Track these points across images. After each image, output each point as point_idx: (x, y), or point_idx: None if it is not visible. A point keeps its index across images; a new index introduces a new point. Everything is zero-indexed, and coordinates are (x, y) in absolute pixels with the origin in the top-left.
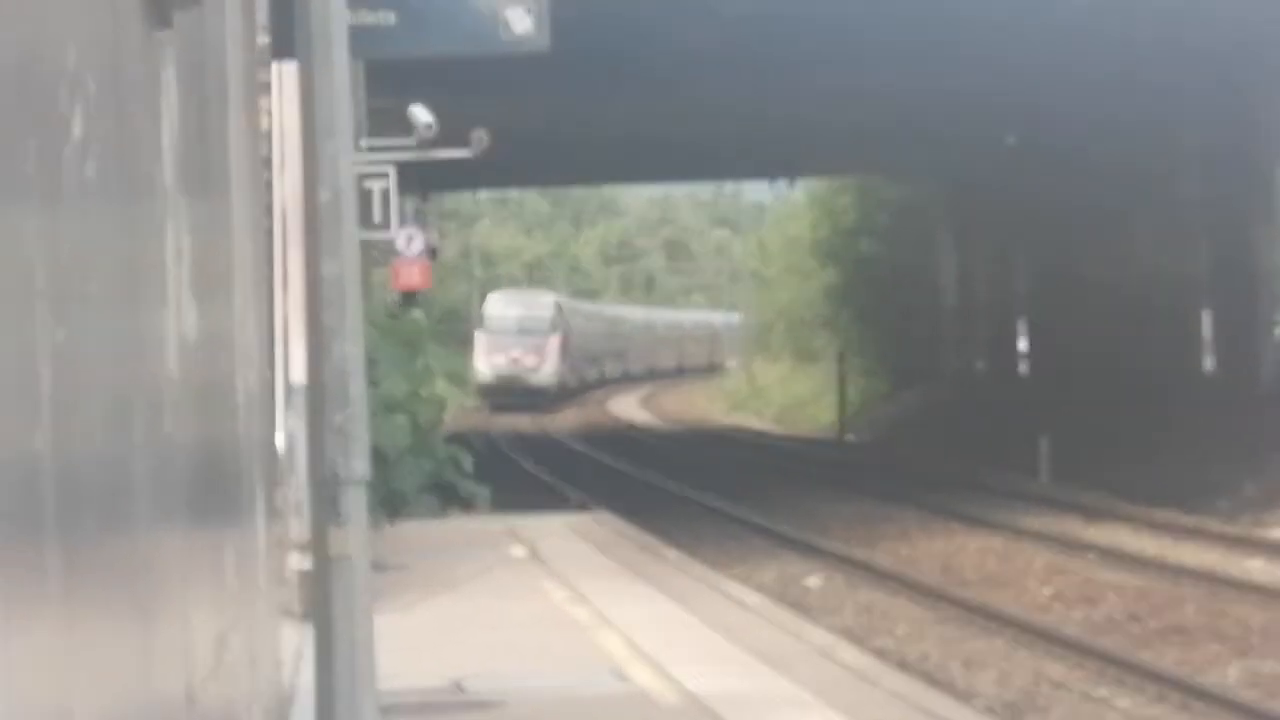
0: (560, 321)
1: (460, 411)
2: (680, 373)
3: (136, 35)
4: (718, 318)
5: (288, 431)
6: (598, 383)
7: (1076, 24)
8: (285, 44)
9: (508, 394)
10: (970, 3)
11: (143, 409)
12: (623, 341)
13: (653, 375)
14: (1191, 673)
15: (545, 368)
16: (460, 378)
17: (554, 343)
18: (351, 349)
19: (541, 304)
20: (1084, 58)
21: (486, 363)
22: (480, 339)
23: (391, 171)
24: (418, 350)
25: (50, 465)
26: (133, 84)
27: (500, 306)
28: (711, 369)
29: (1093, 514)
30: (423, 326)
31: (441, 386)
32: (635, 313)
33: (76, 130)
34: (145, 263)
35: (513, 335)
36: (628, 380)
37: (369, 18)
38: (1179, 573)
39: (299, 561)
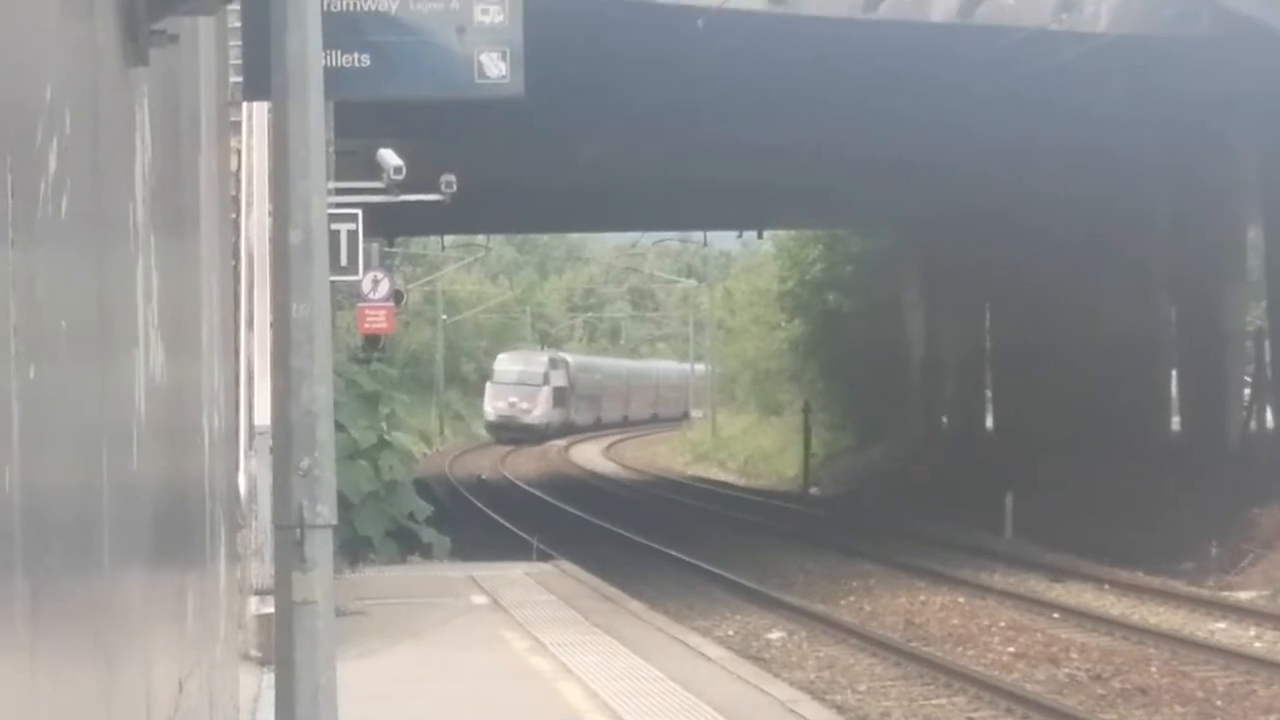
0: (553, 375)
1: (422, 458)
2: (662, 419)
3: (113, 72)
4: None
5: (250, 474)
6: (594, 425)
7: (1044, 90)
8: (257, 84)
9: (507, 430)
10: (936, 69)
11: (110, 448)
12: (621, 389)
13: (655, 420)
14: None
15: (536, 411)
16: (427, 438)
17: (544, 392)
18: (320, 391)
19: (537, 361)
20: (1053, 120)
21: (491, 406)
22: (488, 388)
23: (359, 214)
24: (383, 398)
25: (18, 503)
26: (108, 120)
27: (504, 364)
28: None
29: (1057, 573)
30: (390, 375)
31: (407, 437)
32: (632, 365)
33: (52, 165)
34: (116, 301)
35: (512, 385)
36: (628, 424)
37: (343, 59)
38: (1143, 633)
39: (258, 606)
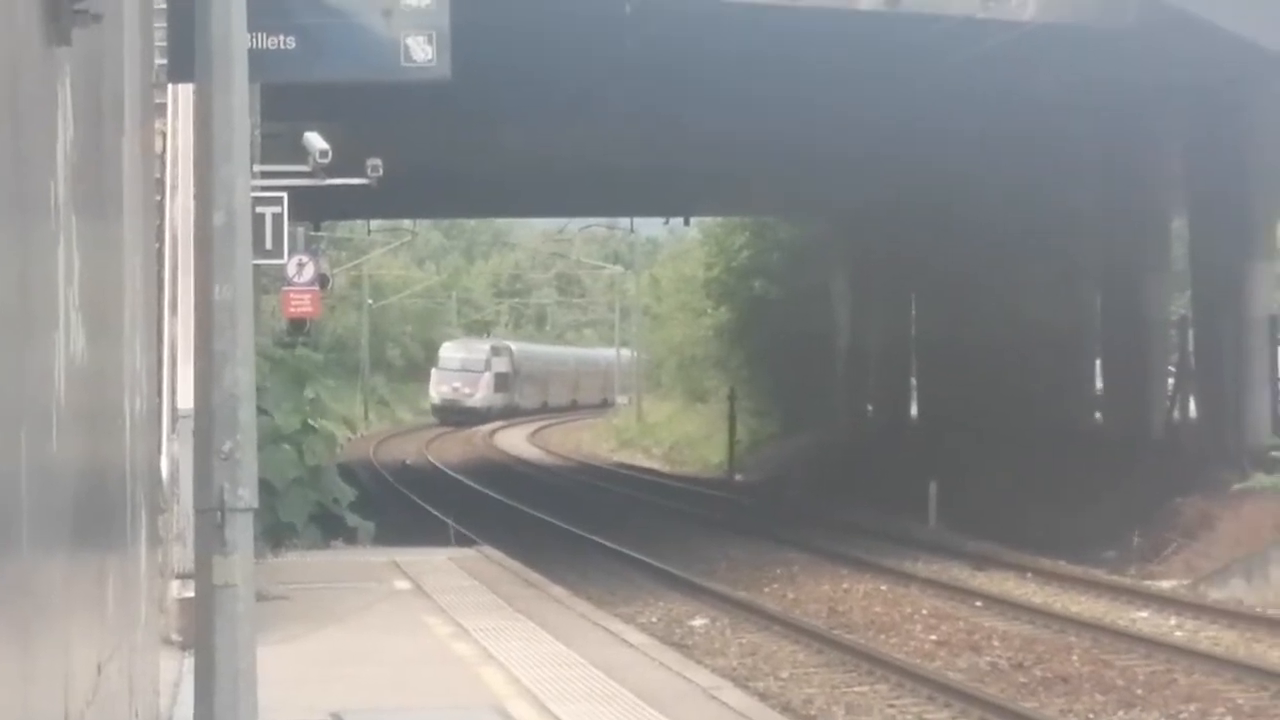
0: (495, 362)
1: (347, 443)
2: (611, 404)
3: (34, 51)
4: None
5: (172, 458)
6: (541, 409)
7: (971, 78)
8: (182, 66)
9: (451, 413)
10: (863, 57)
11: (30, 430)
12: (569, 375)
13: (605, 404)
14: None
15: (477, 395)
16: (352, 424)
17: (486, 378)
18: (242, 375)
19: (478, 349)
20: (980, 109)
21: (436, 391)
22: (434, 373)
23: (284, 198)
24: (308, 383)
25: None
26: (28, 99)
27: (449, 351)
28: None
29: (980, 561)
30: (314, 360)
31: (331, 422)
32: (580, 352)
33: None
34: (36, 282)
35: (455, 372)
36: (577, 408)
37: (269, 41)
38: (1065, 622)
39: (180, 590)
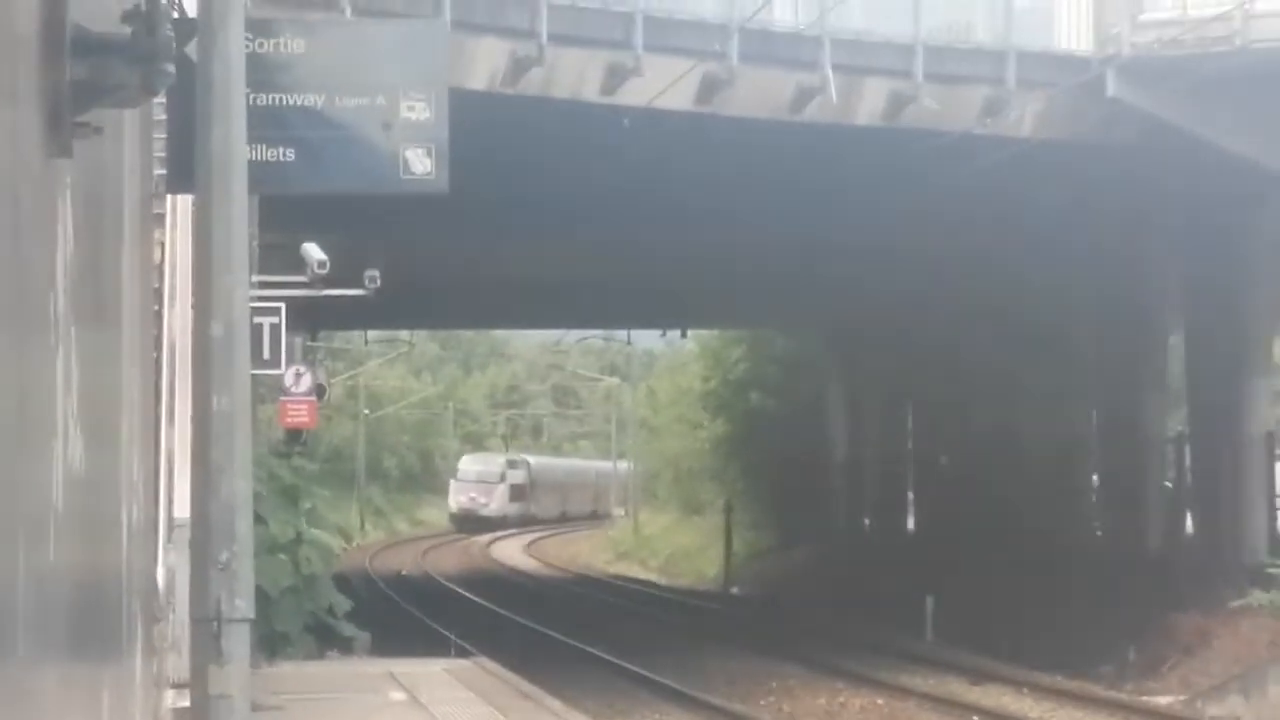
0: (510, 474)
1: (343, 553)
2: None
3: (35, 162)
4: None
5: (168, 567)
6: (560, 518)
7: (966, 197)
8: (181, 177)
9: (468, 520)
10: (859, 174)
11: (27, 539)
12: (588, 485)
13: (628, 515)
14: None
15: (492, 505)
16: (347, 534)
17: (500, 489)
18: (240, 485)
19: (495, 463)
20: (974, 227)
21: (454, 500)
22: (452, 484)
23: (282, 308)
24: (304, 493)
25: None
26: (29, 210)
27: (466, 464)
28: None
29: (977, 675)
30: (310, 470)
31: (326, 534)
32: (600, 465)
33: None
34: (35, 391)
35: (472, 483)
36: (595, 517)
37: (268, 153)
38: None
39: (175, 700)
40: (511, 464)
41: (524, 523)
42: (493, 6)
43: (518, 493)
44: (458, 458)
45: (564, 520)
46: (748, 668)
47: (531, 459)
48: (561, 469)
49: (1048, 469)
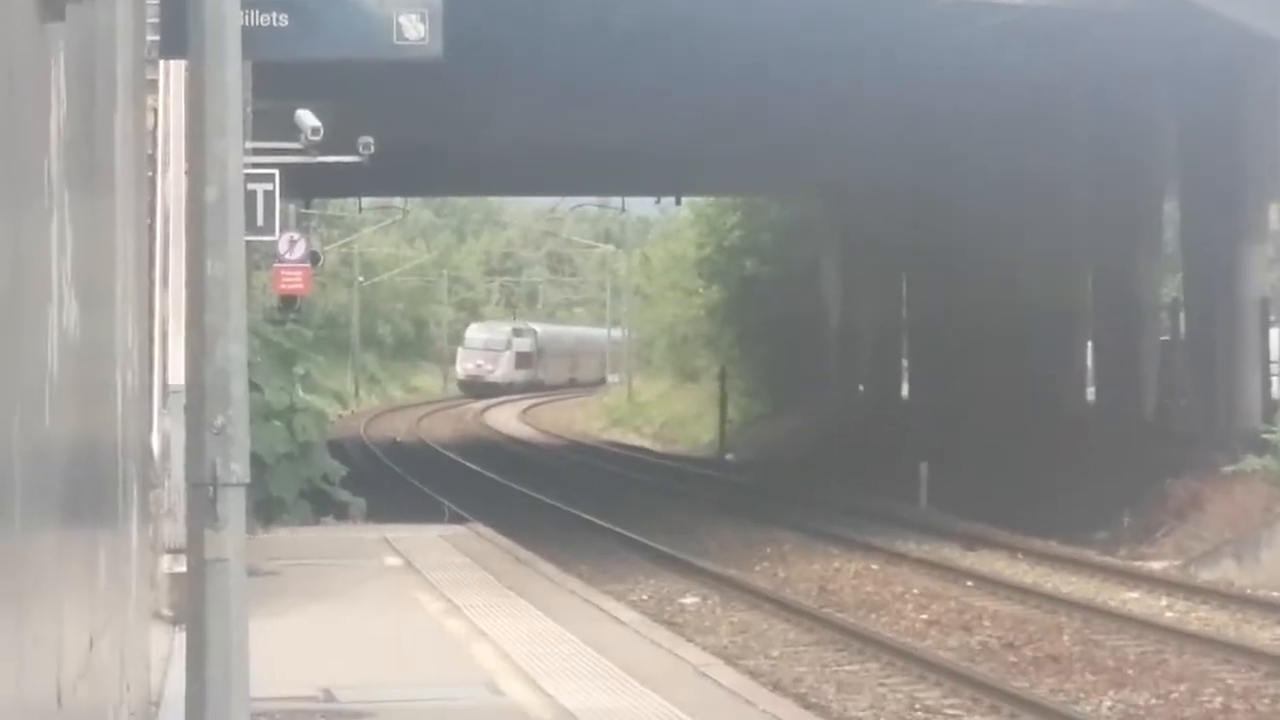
0: (516, 342)
1: (337, 420)
2: None
3: (28, 26)
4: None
5: (163, 433)
6: (569, 383)
7: (963, 60)
8: (174, 42)
9: (474, 386)
10: (857, 38)
11: (23, 404)
12: (597, 352)
13: None
14: (1066, 702)
15: (498, 371)
16: (342, 400)
17: (506, 355)
18: (235, 350)
19: (500, 331)
20: (972, 90)
21: (461, 367)
22: (459, 352)
23: (276, 174)
24: (299, 360)
25: None
26: (22, 75)
27: (473, 332)
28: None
29: (971, 541)
30: (305, 336)
31: (321, 401)
32: (602, 332)
33: None
34: (29, 257)
35: (479, 350)
36: (604, 384)
37: (261, 18)
38: (1056, 602)
39: (171, 565)
40: (517, 332)
41: (530, 388)
42: None
43: (524, 360)
44: (452, 325)
45: (573, 386)
46: (742, 533)
47: (539, 327)
48: (571, 337)
49: (1043, 335)
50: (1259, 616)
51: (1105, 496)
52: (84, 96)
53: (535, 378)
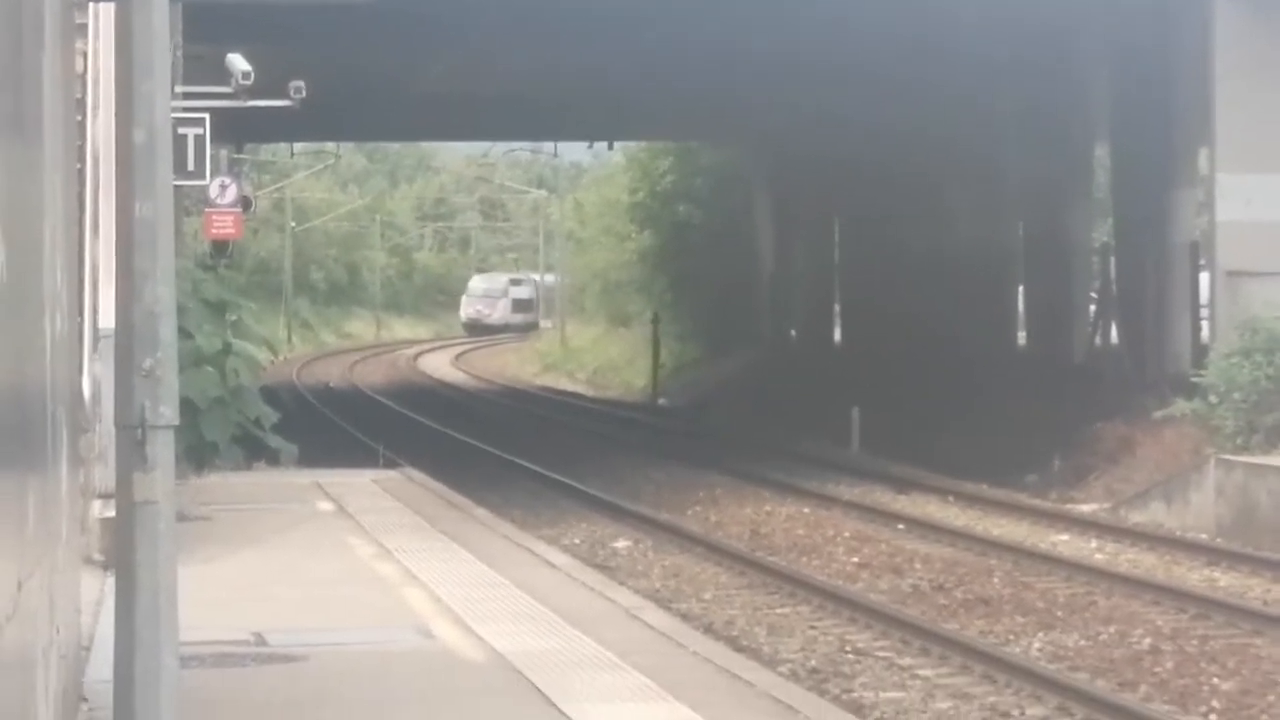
0: (513, 290)
1: (270, 366)
2: None
3: None
4: None
5: (93, 378)
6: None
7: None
8: None
9: (475, 329)
10: None
11: None
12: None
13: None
14: (996, 644)
15: (495, 315)
16: (274, 346)
17: (503, 302)
18: (163, 292)
19: (498, 280)
20: (903, 31)
21: (464, 312)
22: (464, 299)
23: (206, 119)
24: (230, 305)
25: None
26: None
27: (476, 281)
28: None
29: (902, 484)
30: (236, 282)
31: (253, 346)
32: None
33: None
34: None
35: (479, 297)
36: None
37: None
38: (986, 545)
39: (102, 510)
40: (515, 281)
41: (528, 329)
42: None
43: (521, 305)
44: (384, 271)
45: None
46: (674, 478)
47: (538, 276)
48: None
49: (974, 281)
50: (1187, 558)
51: (1036, 440)
52: (10, 39)
53: (532, 320)
